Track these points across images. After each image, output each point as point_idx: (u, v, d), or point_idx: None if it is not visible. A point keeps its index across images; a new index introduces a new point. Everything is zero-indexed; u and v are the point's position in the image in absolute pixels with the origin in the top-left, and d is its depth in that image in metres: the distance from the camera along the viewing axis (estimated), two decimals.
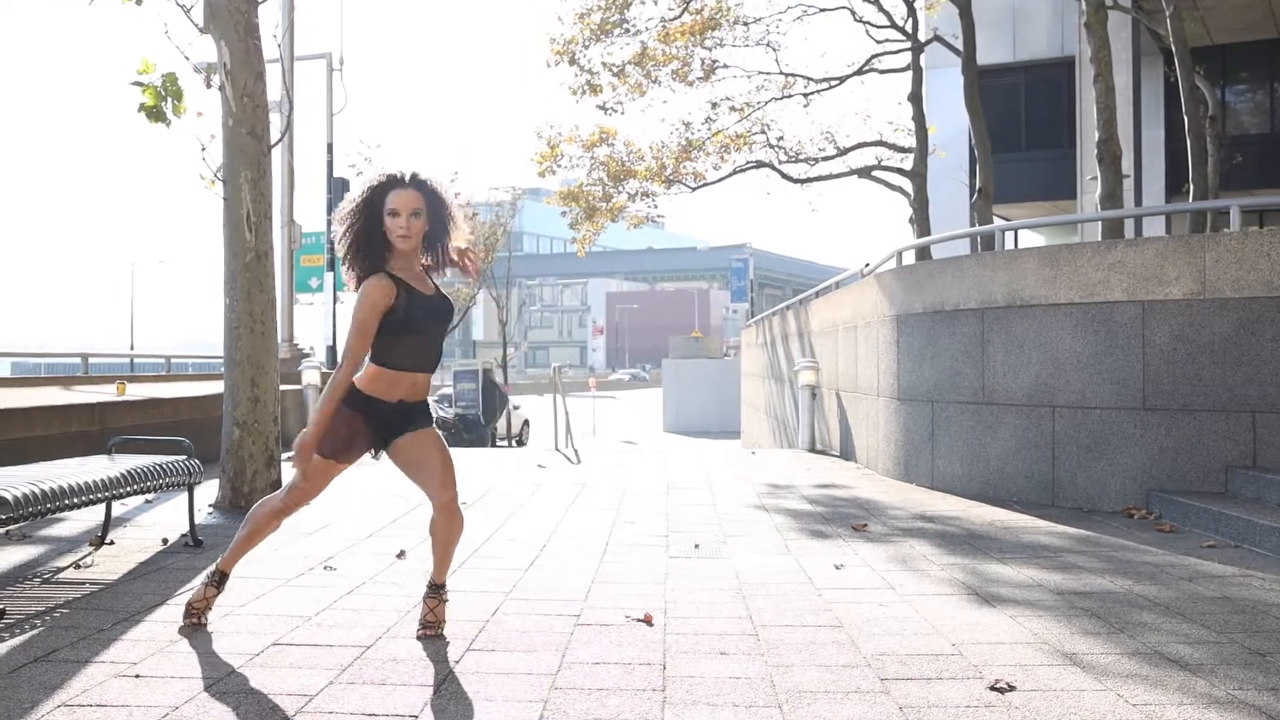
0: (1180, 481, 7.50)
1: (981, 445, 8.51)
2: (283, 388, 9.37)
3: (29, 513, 4.52)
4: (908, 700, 3.51)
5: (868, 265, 11.94)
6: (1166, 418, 7.55)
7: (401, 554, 5.87)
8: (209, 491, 7.81)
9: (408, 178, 4.04)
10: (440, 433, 4.25)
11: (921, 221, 19.10)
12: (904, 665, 3.90)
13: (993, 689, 3.62)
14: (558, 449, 13.43)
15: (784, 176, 21.78)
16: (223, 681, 3.60)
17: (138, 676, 3.63)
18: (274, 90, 9.13)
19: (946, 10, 21.15)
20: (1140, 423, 7.64)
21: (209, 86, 7.68)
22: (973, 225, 24.53)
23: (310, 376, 12.77)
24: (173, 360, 13.79)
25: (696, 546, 6.36)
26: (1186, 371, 7.49)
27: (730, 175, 22.09)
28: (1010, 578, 5.50)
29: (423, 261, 4.17)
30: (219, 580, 4.31)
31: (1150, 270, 7.62)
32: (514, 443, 28.19)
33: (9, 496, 4.43)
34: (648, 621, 4.50)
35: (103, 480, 5.13)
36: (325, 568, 5.57)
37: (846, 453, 11.71)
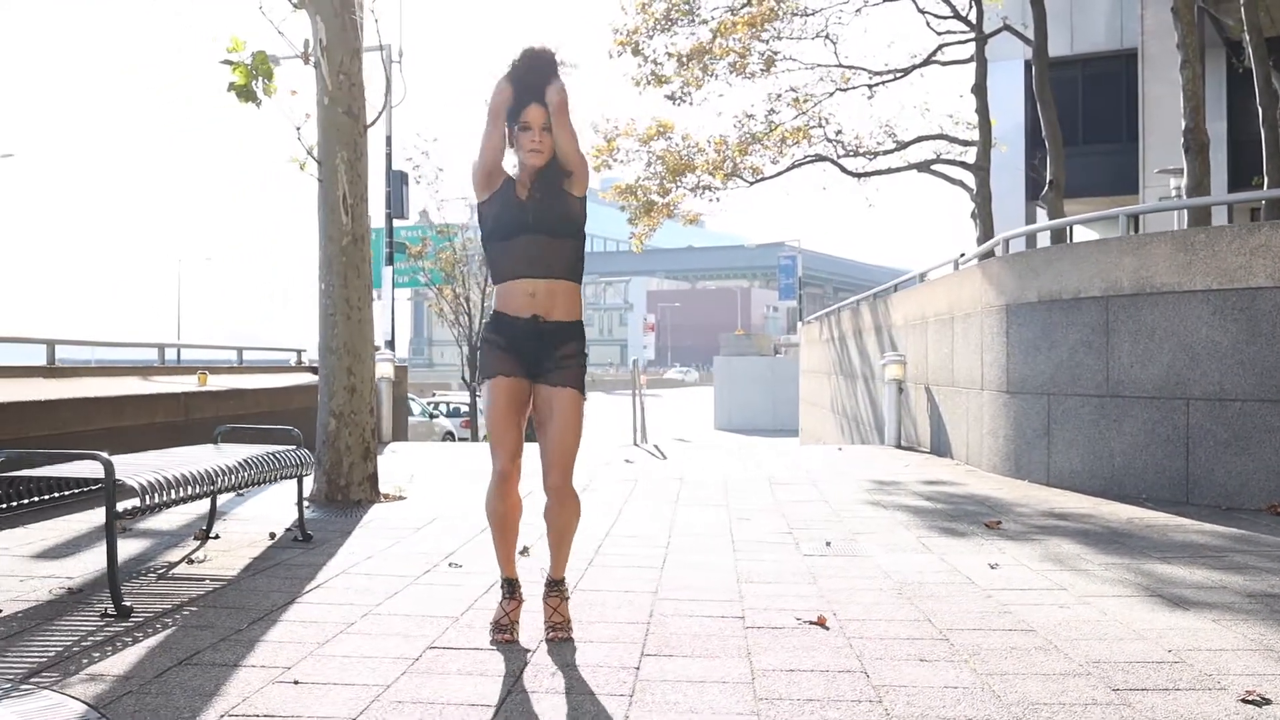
0: None
1: (1105, 440, 8.07)
2: None
3: (156, 503, 4.20)
4: (1155, 714, 3.12)
5: (963, 255, 11.51)
6: None
7: (525, 551, 5.52)
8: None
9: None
10: (579, 403, 3.87)
11: (984, 216, 18.64)
12: (1129, 674, 3.51)
13: (1246, 701, 3.22)
14: (637, 444, 13.09)
15: (843, 170, 21.33)
16: (391, 689, 3.25)
17: (296, 683, 3.29)
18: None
19: (1009, 1, 20.63)
20: None
21: (306, 63, 7.38)
22: (1031, 220, 24.05)
23: (384, 369, 12.47)
24: (244, 352, 13.58)
25: (828, 544, 5.99)
26: None
27: (789, 169, 21.66)
28: (1185, 578, 5.08)
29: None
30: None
31: None
32: None
33: (135, 484, 4.13)
34: (821, 624, 4.13)
35: (220, 469, 4.81)
36: (450, 564, 5.25)
37: (939, 449, 11.28)
